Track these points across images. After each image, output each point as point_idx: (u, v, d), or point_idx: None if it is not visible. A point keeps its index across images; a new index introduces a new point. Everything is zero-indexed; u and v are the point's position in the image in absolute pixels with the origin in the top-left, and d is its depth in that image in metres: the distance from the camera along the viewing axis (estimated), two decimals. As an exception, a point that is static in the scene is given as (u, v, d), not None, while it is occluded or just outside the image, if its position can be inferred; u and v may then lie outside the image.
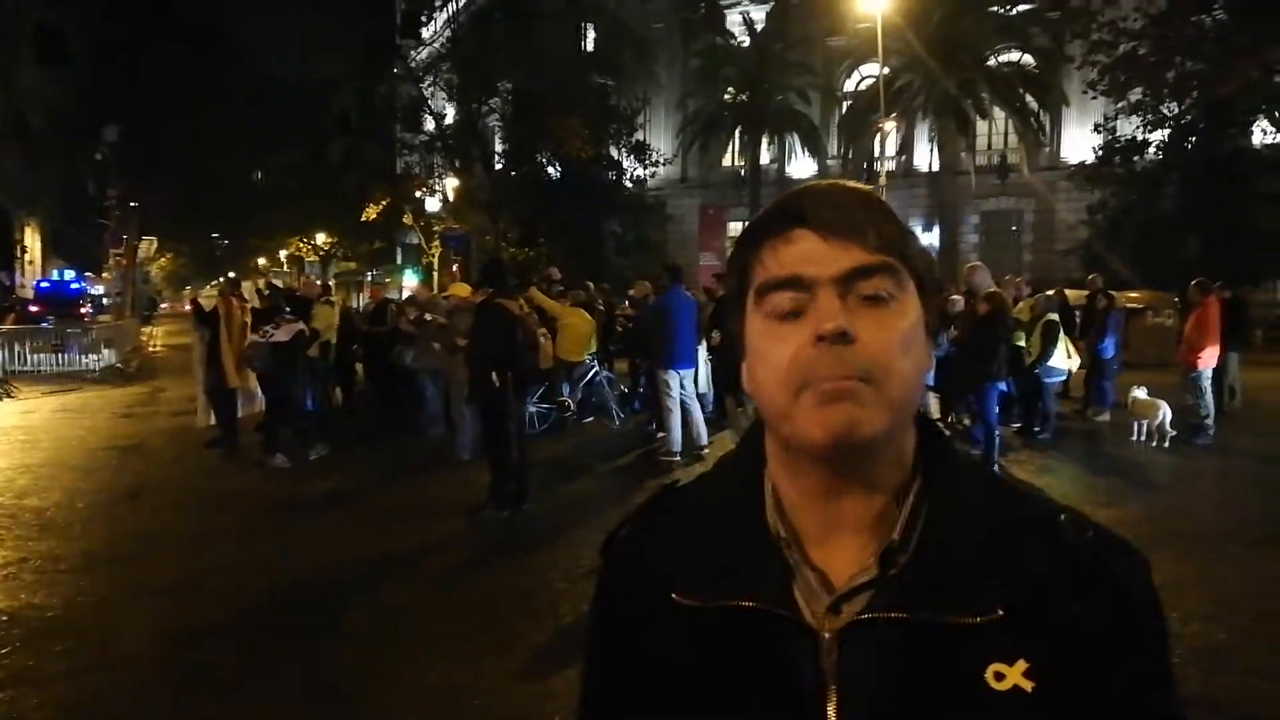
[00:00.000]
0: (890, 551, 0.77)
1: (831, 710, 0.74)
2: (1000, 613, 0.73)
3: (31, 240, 39.40)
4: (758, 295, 0.81)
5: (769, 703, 0.76)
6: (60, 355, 17.69)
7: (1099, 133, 26.37)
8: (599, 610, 0.93)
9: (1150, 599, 0.79)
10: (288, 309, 10.37)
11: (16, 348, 16.78)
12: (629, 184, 33.15)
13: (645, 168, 32.94)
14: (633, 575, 0.89)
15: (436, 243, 33.45)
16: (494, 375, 6.89)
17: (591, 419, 11.75)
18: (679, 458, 9.16)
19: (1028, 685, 0.72)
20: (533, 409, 11.01)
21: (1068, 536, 0.79)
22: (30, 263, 38.39)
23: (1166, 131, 24.56)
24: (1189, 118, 23.97)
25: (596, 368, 11.89)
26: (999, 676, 0.72)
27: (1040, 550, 0.78)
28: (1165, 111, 23.98)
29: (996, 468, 8.56)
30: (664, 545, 0.88)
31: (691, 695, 0.80)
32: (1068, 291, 13.25)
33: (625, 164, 32.77)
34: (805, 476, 0.81)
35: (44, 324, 20.49)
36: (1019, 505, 0.82)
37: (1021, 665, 0.72)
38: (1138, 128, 24.84)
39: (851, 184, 0.84)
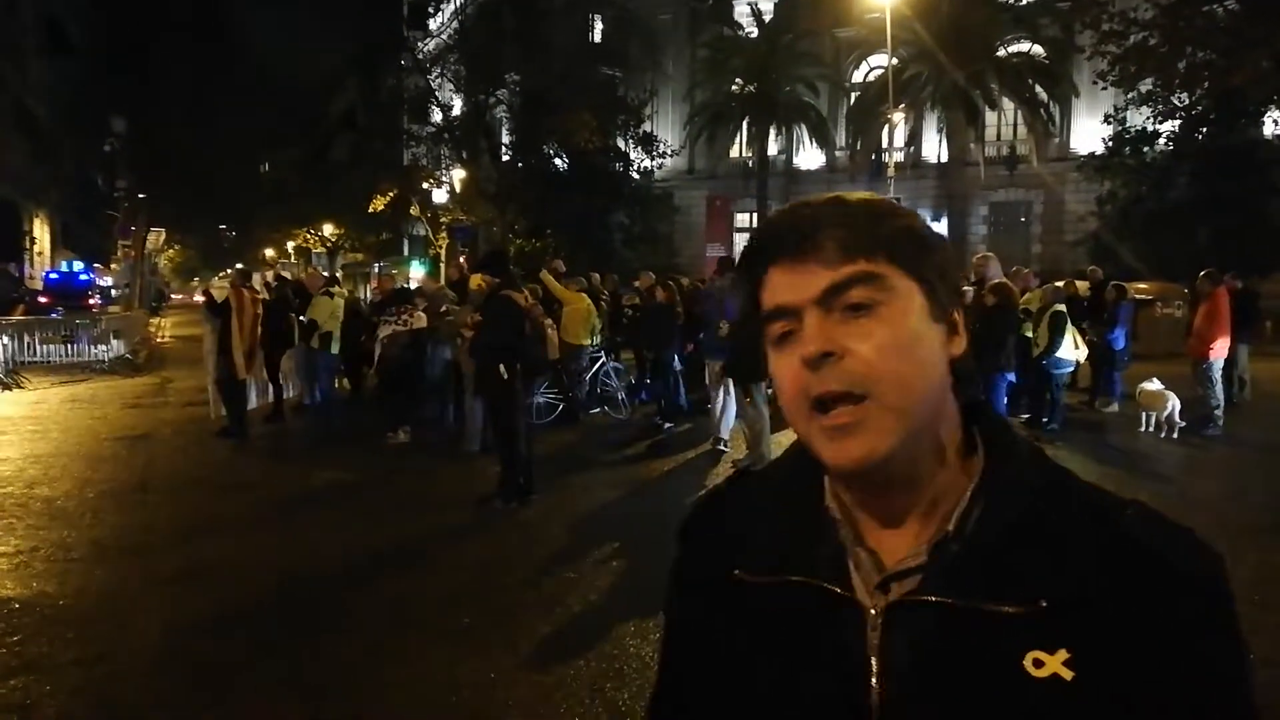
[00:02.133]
0: (944, 541, 0.79)
1: (874, 683, 0.78)
2: (1044, 604, 0.75)
3: (40, 232, 39.50)
4: (764, 323, 0.84)
5: (818, 674, 0.80)
6: (69, 346, 17.76)
7: (1109, 123, 26.23)
8: (672, 591, 0.98)
9: (1219, 601, 0.77)
10: (297, 299, 10.41)
11: (26, 338, 16.85)
12: (636, 175, 33.09)
13: (652, 159, 32.86)
14: (701, 556, 0.95)
15: (444, 234, 33.43)
16: (501, 367, 6.90)
17: (599, 410, 11.75)
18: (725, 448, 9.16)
19: (1067, 674, 0.73)
20: (540, 400, 11.03)
21: (1133, 530, 0.78)
22: (39, 254, 38.49)
23: (1177, 122, 24.40)
24: (1200, 109, 23.77)
25: (603, 358, 11.91)
26: (1038, 664, 0.74)
27: (1098, 544, 0.77)
28: (1176, 102, 23.73)
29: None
30: (730, 527, 0.93)
31: (748, 666, 0.84)
32: (1077, 283, 13.20)
33: (632, 155, 32.70)
34: (845, 484, 0.85)
35: (53, 315, 20.58)
36: (1079, 497, 0.81)
37: (1062, 655, 0.74)
38: (1148, 118, 24.67)
39: (820, 198, 0.84)
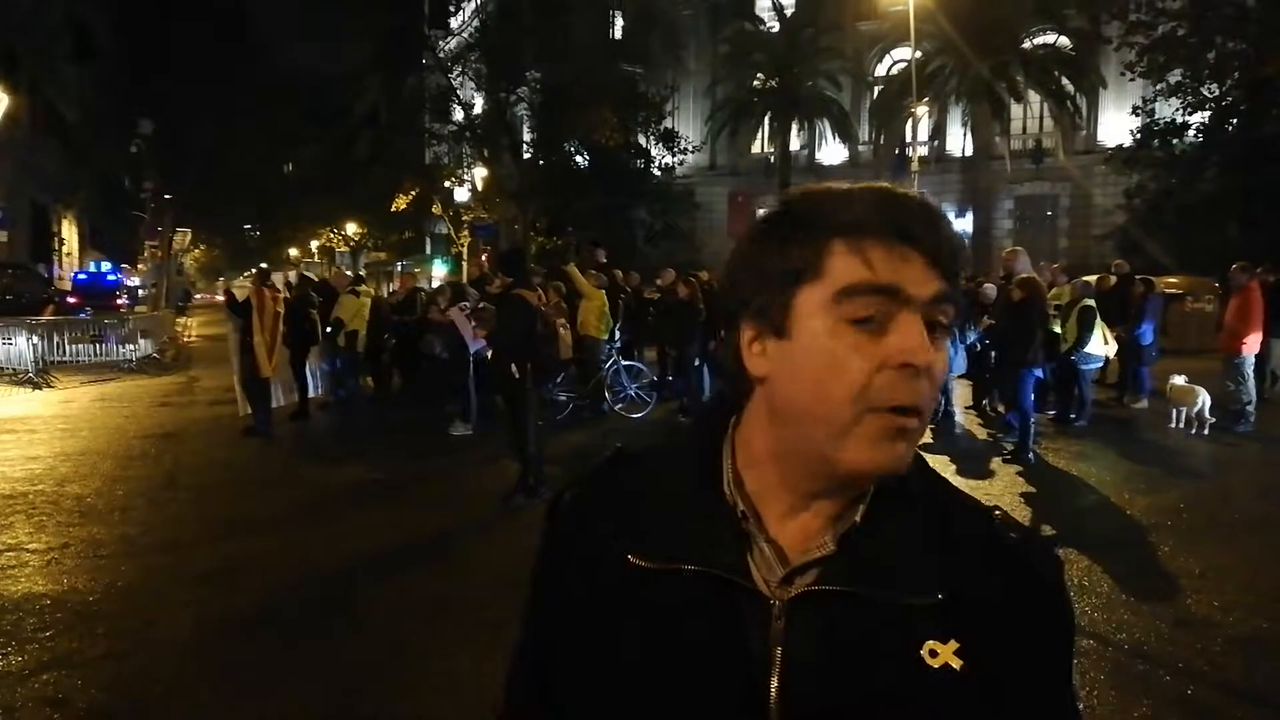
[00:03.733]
0: (852, 534, 0.82)
1: (775, 675, 0.78)
2: (939, 596, 0.79)
3: (69, 233, 39.98)
4: (842, 294, 0.77)
5: (717, 665, 0.80)
6: (98, 346, 17.92)
7: (1137, 115, 25.80)
8: (544, 568, 0.94)
9: (1064, 596, 0.86)
10: (320, 298, 10.44)
11: (55, 338, 17.01)
12: (657, 172, 33.04)
13: (674, 155, 32.79)
14: (581, 536, 0.91)
15: (465, 232, 33.56)
16: (514, 367, 6.91)
17: (621, 405, 11.69)
18: None
19: (957, 664, 0.78)
20: (562, 397, 11.02)
21: (998, 533, 0.86)
22: (68, 255, 38.97)
23: (1207, 113, 23.96)
24: (1230, 99, 23.39)
25: (615, 357, 11.83)
26: (933, 654, 0.78)
27: (974, 543, 0.84)
28: (1205, 93, 23.42)
29: (1032, 456, 8.46)
30: (615, 508, 0.90)
31: (639, 655, 0.82)
32: (1111, 278, 13.02)
33: (654, 152, 32.65)
34: (802, 473, 0.82)
35: (82, 315, 20.79)
36: (958, 503, 0.88)
37: (953, 645, 0.78)
38: (1177, 110, 24.27)
39: (924, 198, 0.83)
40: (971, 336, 10.18)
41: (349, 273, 16.83)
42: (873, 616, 0.78)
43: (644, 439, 9.96)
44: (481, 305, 10.09)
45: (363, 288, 12.93)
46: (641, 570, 0.84)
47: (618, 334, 12.20)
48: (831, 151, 35.75)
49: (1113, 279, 12.40)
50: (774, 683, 0.78)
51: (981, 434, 10.11)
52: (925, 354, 0.76)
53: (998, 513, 0.88)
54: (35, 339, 16.00)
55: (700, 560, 0.82)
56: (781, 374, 0.81)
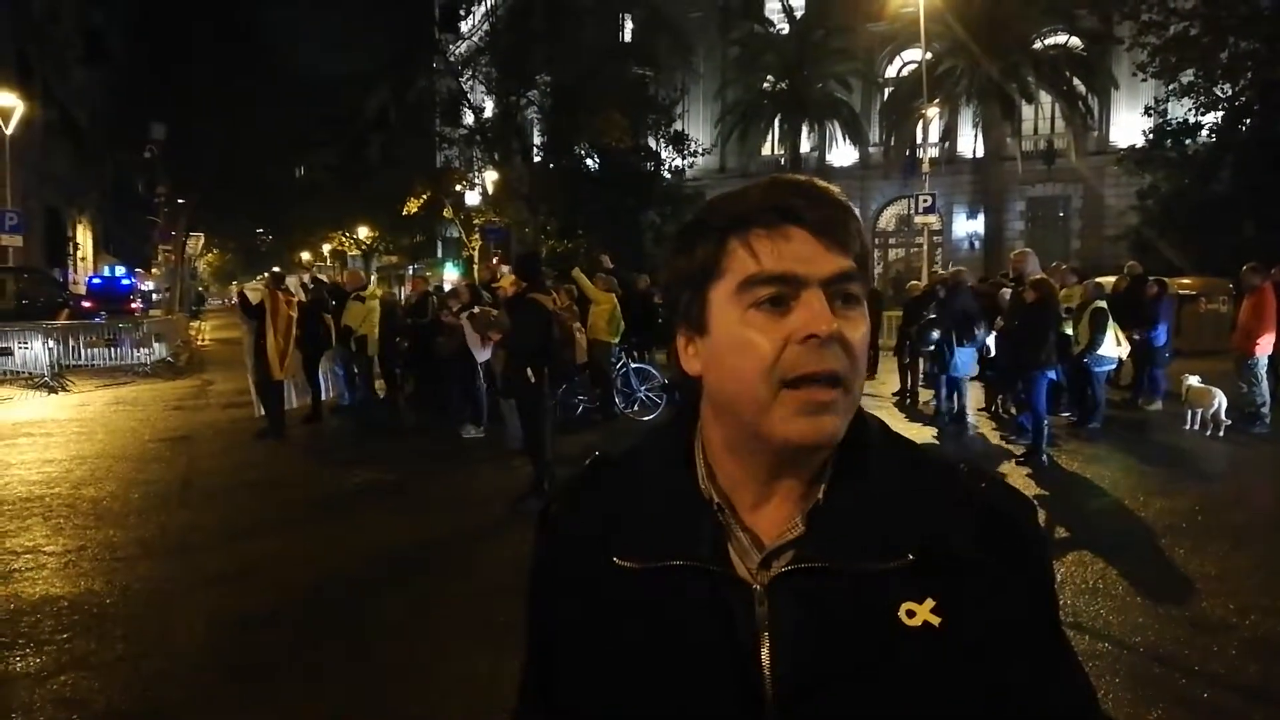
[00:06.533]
0: (816, 511, 0.85)
1: (765, 654, 0.81)
2: (910, 558, 0.81)
3: (83, 237, 40.26)
4: (744, 285, 0.83)
5: (709, 653, 0.83)
6: (112, 350, 18.04)
7: (1149, 116, 25.69)
8: (538, 580, 0.98)
9: (1038, 540, 0.89)
10: (333, 301, 10.46)
11: (70, 342, 17.12)
12: (667, 175, 33.03)
13: (684, 158, 32.78)
14: (571, 544, 0.94)
15: (476, 236, 33.63)
16: (529, 371, 6.91)
17: (633, 409, 11.70)
18: None
19: (936, 620, 0.80)
20: (573, 400, 11.03)
21: (967, 487, 0.88)
22: (82, 259, 39.23)
23: (1220, 113, 23.82)
24: (1243, 99, 23.23)
25: (624, 359, 11.84)
26: (910, 614, 0.80)
27: (943, 501, 0.86)
28: (1218, 93, 23.28)
29: (1045, 458, 8.43)
30: (600, 513, 0.93)
31: (636, 652, 0.85)
32: (1114, 279, 12.93)
33: (663, 155, 32.65)
34: (753, 459, 0.87)
35: (96, 319, 20.91)
36: (924, 463, 0.90)
37: (930, 603, 0.81)
38: (1189, 110, 24.14)
39: (826, 184, 0.88)
40: (980, 336, 10.13)
41: (361, 274, 16.86)
42: (848, 587, 0.81)
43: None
44: (479, 309, 10.09)
45: (368, 291, 12.95)
46: (628, 571, 0.87)
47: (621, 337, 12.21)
48: (842, 153, 35.71)
49: (1127, 280, 12.33)
50: (765, 662, 0.81)
51: (994, 436, 10.07)
52: (827, 323, 0.80)
53: (963, 466, 0.91)
54: (51, 343, 16.12)
55: (682, 555, 0.85)
56: (709, 367, 0.87)
